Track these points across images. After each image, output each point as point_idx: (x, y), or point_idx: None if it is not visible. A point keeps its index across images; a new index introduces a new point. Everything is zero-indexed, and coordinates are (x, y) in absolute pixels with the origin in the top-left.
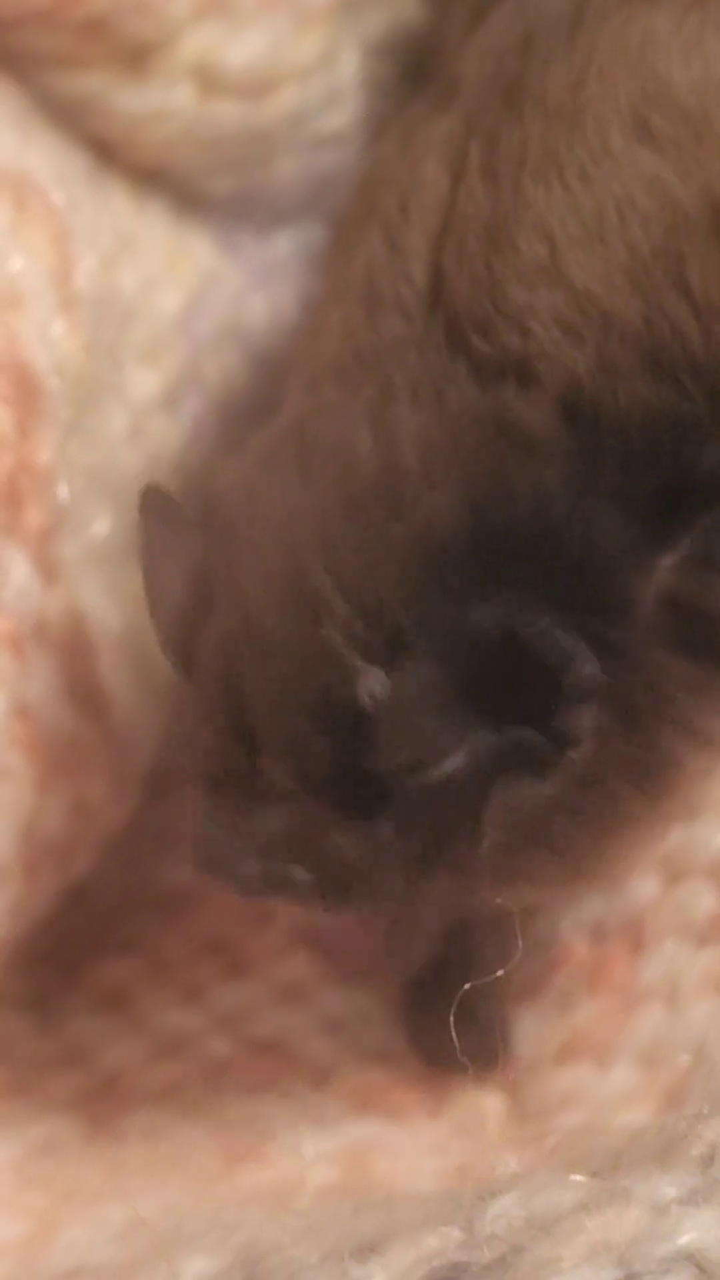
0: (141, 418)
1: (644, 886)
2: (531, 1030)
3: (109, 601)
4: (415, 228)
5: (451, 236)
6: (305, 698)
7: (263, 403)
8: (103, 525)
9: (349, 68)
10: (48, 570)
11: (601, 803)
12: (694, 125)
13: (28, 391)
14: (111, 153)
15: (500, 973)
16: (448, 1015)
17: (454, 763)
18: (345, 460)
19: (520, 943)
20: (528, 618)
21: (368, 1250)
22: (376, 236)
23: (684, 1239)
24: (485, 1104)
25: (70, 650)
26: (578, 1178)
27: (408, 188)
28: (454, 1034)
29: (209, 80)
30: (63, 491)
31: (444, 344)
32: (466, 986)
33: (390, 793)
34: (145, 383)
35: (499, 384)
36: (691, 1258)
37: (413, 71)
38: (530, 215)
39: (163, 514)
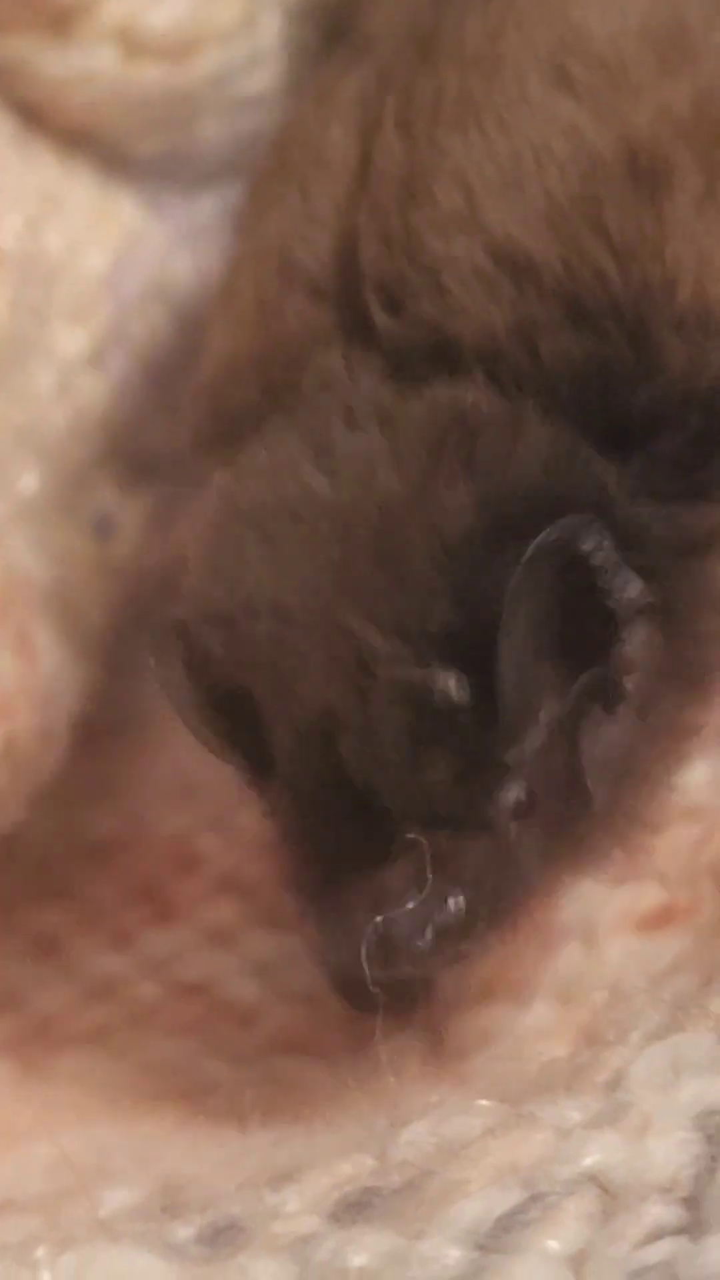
0: (69, 375)
1: None
2: (452, 970)
3: (36, 557)
4: (327, 187)
5: (366, 193)
6: (414, 753)
7: (188, 360)
8: (30, 481)
9: (270, 30)
10: None
11: (667, 721)
12: (611, 73)
13: None
14: (37, 115)
15: (410, 905)
16: (360, 953)
17: (538, 736)
18: (319, 514)
19: (430, 876)
20: (581, 540)
21: (283, 1178)
22: (290, 196)
23: (587, 1161)
24: (407, 1043)
25: None
26: (485, 1103)
27: (320, 146)
28: (367, 972)
29: (131, 43)
30: None
31: (355, 336)
32: (378, 920)
33: (504, 798)
34: (72, 341)
35: (425, 376)
36: (595, 1179)
37: (333, 34)
38: (447, 164)
39: (162, 654)
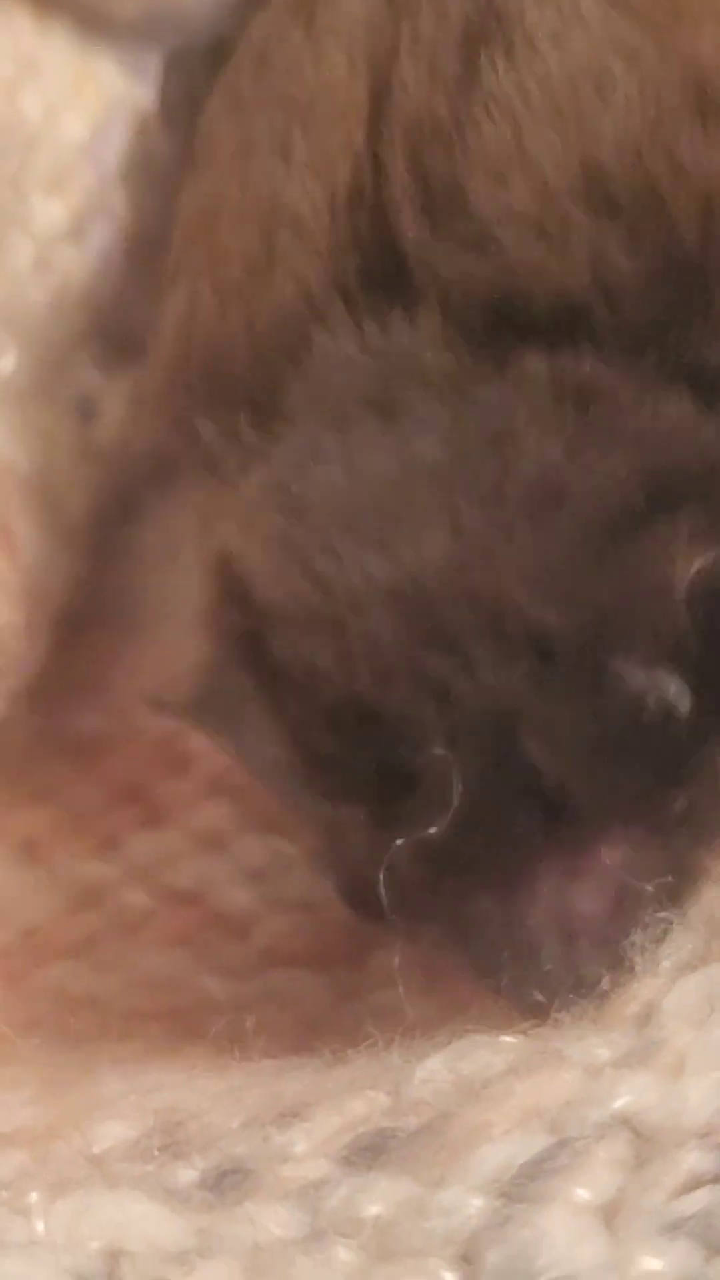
0: (48, 249)
1: None
2: None
3: (15, 442)
4: (334, 126)
5: (387, 133)
6: (616, 756)
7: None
8: (8, 361)
9: None
10: None
11: None
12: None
13: None
14: None
15: (433, 830)
16: (378, 873)
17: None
18: (437, 481)
19: (456, 798)
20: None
21: (291, 1116)
22: (282, 136)
23: (618, 1103)
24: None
25: None
26: (508, 1038)
27: (320, 77)
28: (383, 894)
29: None
30: None
31: (372, 301)
32: (398, 844)
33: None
34: (51, 213)
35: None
36: (627, 1122)
37: None
38: (488, 92)
39: (225, 692)
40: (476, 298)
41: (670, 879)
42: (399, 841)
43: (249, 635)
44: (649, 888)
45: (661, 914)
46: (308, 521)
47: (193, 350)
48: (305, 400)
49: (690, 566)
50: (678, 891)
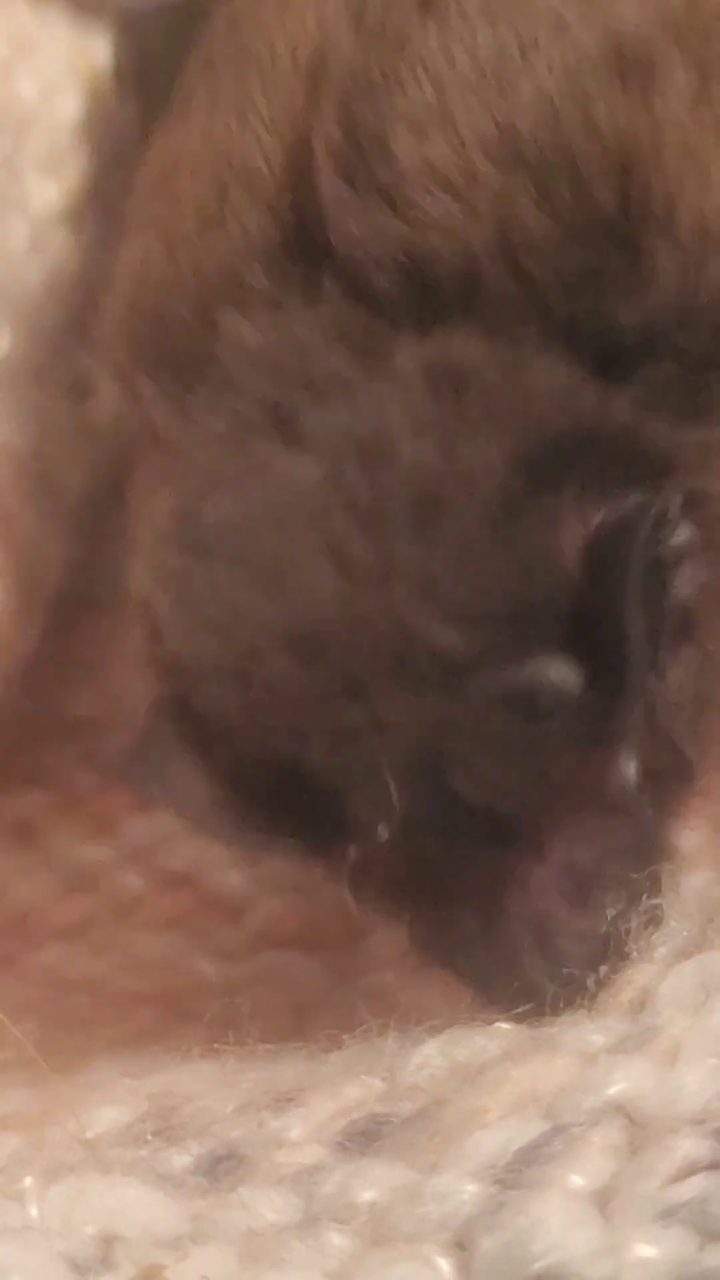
0: (43, 230)
1: None
2: None
3: (11, 422)
4: (282, 82)
5: (323, 90)
6: (534, 756)
7: None
8: (3, 342)
9: None
10: None
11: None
12: None
13: None
14: None
15: (383, 837)
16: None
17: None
18: (319, 509)
19: (387, 830)
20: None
21: (285, 1101)
22: (241, 91)
23: (613, 1089)
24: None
25: None
26: (503, 1025)
27: (277, 35)
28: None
29: None
30: None
31: (306, 256)
32: (351, 852)
33: (626, 771)
34: (46, 194)
35: (389, 312)
36: (621, 1109)
37: None
38: (418, 55)
39: (155, 753)
40: (384, 259)
41: (655, 867)
42: (352, 856)
43: (171, 683)
44: (619, 869)
45: (653, 901)
46: (207, 562)
47: (140, 301)
48: (218, 393)
49: (582, 529)
50: (661, 875)
